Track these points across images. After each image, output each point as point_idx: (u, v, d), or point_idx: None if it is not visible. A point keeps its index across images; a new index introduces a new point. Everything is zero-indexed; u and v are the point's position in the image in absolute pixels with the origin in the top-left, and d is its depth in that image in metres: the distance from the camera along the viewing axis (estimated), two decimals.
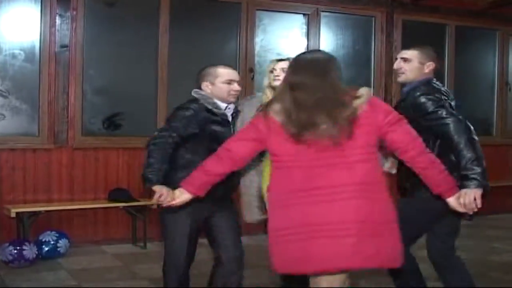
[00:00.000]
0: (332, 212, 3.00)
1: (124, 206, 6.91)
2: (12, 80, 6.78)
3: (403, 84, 4.22)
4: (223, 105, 4.00)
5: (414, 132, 3.20)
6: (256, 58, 7.91)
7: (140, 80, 7.35)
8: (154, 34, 7.39)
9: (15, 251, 5.93)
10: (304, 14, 8.33)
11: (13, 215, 6.31)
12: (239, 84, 4.11)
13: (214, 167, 3.32)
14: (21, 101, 6.83)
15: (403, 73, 4.13)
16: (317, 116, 3.02)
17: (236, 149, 3.27)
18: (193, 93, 4.01)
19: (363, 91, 3.12)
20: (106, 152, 7.09)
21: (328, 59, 3.23)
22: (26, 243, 6.03)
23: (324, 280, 3.20)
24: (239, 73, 7.60)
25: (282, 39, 8.24)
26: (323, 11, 8.40)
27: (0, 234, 6.47)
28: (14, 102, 6.80)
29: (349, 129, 3.02)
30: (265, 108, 3.20)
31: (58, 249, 6.33)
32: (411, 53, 4.14)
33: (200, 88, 4.02)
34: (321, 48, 8.34)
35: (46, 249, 6.26)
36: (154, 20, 7.38)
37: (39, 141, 6.84)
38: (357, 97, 3.08)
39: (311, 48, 8.26)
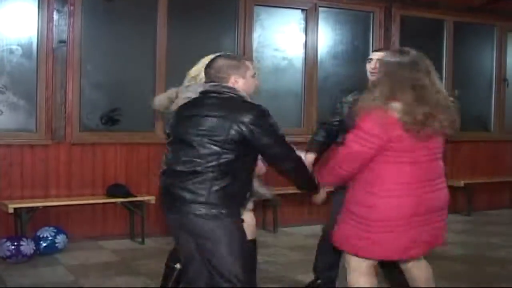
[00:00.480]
0: (439, 200, 3.53)
1: (122, 202, 6.90)
2: (9, 75, 6.77)
3: None
4: None
5: None
6: (254, 54, 7.90)
7: (138, 76, 7.35)
8: (152, 29, 7.37)
9: (13, 247, 5.92)
10: (302, 10, 8.31)
11: (10, 210, 6.29)
12: None
13: None
14: (19, 97, 6.82)
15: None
16: (436, 114, 3.35)
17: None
18: (227, 90, 3.43)
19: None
20: (104, 148, 7.08)
21: (426, 57, 3.55)
22: (24, 239, 6.03)
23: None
24: None
25: (280, 34, 8.23)
26: (321, 6, 8.38)
27: None
28: (12, 98, 6.78)
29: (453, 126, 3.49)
30: (378, 106, 3.35)
31: (56, 244, 6.33)
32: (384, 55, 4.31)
33: (218, 82, 3.47)
34: (319, 43, 8.35)
35: (44, 244, 6.26)
36: (152, 15, 7.36)
37: (37, 137, 6.82)
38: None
39: (309, 44, 8.27)
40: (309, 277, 5.08)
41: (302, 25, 8.33)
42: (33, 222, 6.48)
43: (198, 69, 4.21)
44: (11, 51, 6.76)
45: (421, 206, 3.41)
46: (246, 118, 3.28)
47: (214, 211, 3.28)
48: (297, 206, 7.90)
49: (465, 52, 9.58)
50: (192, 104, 3.53)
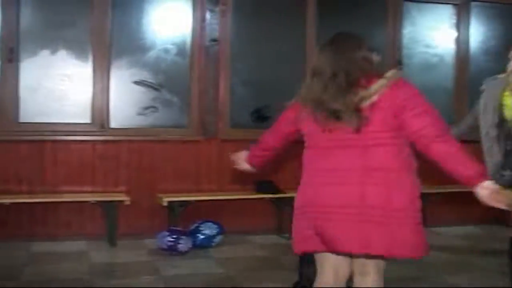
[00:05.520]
0: (339, 195, 3.01)
1: (270, 198, 6.97)
2: (164, 74, 7.04)
3: None
4: None
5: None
6: (404, 50, 7.76)
7: (287, 73, 7.38)
8: (300, 26, 7.43)
9: (172, 241, 6.07)
10: (453, 4, 8.07)
11: (164, 203, 6.56)
12: None
13: None
14: (173, 94, 7.07)
15: None
16: None
17: None
18: None
19: None
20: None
21: None
22: (184, 237, 6.14)
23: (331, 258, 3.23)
24: (386, 64, 7.56)
25: (431, 30, 8.03)
26: (473, 1, 8.11)
27: (153, 222, 6.77)
28: (166, 95, 7.05)
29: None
30: None
31: (212, 243, 6.45)
32: None
33: None
34: (471, 39, 8.08)
35: (202, 237, 6.40)
36: (301, 12, 7.42)
37: (189, 133, 7.04)
38: None
39: (461, 39, 8.03)
40: (459, 279, 4.91)
41: (454, 21, 8.10)
42: (185, 215, 6.69)
43: None
44: (166, 50, 7.02)
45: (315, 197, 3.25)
46: None
47: None
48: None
49: None
50: None
